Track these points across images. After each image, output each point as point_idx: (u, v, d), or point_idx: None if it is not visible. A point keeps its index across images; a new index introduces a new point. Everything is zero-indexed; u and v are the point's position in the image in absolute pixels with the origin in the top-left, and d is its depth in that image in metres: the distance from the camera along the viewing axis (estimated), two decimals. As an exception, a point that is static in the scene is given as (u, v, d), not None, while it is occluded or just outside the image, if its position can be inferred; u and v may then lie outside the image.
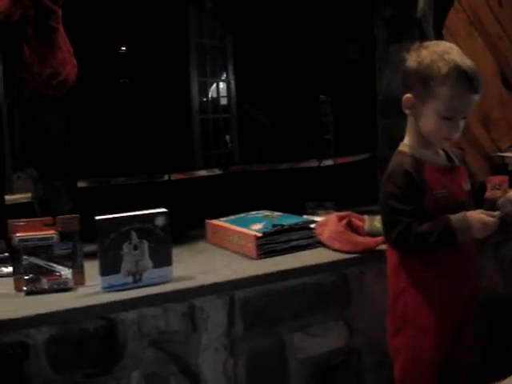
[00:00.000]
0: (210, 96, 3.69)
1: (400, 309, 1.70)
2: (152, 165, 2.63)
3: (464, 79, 1.58)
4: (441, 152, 1.73)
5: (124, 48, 3.08)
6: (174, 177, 2.45)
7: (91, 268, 1.69)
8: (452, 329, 1.71)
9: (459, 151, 1.83)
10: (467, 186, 1.72)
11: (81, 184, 2.26)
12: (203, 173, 2.64)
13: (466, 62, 1.60)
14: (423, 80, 1.61)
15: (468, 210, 1.61)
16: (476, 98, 1.61)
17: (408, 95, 1.66)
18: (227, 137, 3.68)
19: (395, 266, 1.70)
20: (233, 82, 3.66)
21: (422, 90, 1.62)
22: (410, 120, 1.70)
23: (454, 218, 1.59)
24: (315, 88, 3.20)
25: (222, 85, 3.74)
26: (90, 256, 1.72)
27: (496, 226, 1.59)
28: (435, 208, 1.62)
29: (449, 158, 1.74)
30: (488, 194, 1.80)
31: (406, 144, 1.71)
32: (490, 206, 1.70)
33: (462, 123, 1.64)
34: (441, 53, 1.61)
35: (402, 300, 1.69)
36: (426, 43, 1.69)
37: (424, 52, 1.63)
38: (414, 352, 1.69)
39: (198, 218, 2.23)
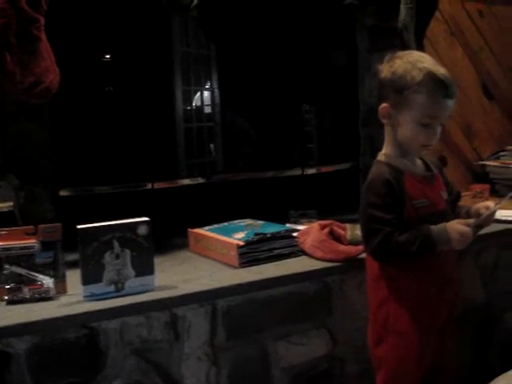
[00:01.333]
0: (194, 105, 3.69)
1: (381, 318, 1.70)
2: (135, 173, 2.62)
3: (438, 85, 1.60)
4: (418, 161, 1.75)
5: (108, 56, 3.07)
6: (157, 185, 2.44)
7: (73, 277, 1.68)
8: (434, 336, 1.71)
9: (435, 160, 1.84)
10: (445, 195, 1.74)
11: (63, 193, 2.25)
12: (187, 181, 2.62)
13: (438, 68, 1.62)
14: (398, 89, 1.63)
15: (448, 219, 1.62)
16: (451, 103, 1.63)
17: (384, 105, 1.67)
18: (211, 145, 3.68)
19: (375, 275, 1.71)
20: (217, 91, 3.66)
21: (398, 99, 1.64)
22: (387, 130, 1.72)
23: (435, 229, 1.59)
24: (299, 97, 3.22)
25: (206, 93, 3.75)
26: (72, 265, 1.72)
27: (472, 235, 1.59)
28: (415, 217, 1.63)
29: (427, 166, 1.75)
30: (469, 203, 1.81)
31: (384, 153, 1.73)
32: (467, 215, 1.72)
33: (439, 129, 1.66)
34: (413, 62, 1.63)
35: (383, 309, 1.69)
36: (399, 53, 1.71)
37: (397, 62, 1.66)
38: (396, 361, 1.69)
39: (180, 227, 2.23)
